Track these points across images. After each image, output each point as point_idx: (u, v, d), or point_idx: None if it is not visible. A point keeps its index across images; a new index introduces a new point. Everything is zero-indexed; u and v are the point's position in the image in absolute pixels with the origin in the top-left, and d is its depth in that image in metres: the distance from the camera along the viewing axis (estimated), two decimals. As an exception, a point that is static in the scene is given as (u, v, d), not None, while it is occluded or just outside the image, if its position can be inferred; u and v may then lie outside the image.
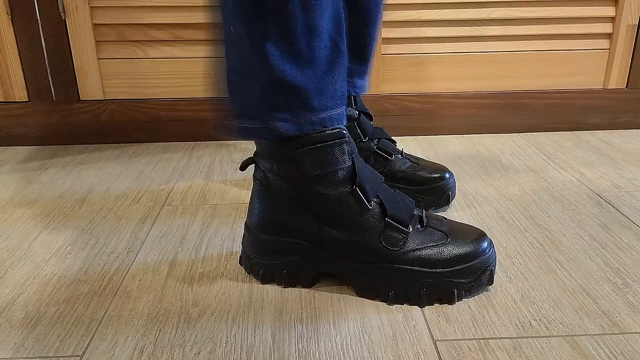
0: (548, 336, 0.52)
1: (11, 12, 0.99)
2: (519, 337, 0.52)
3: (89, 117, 1.07)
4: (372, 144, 0.77)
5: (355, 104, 0.78)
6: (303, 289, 0.59)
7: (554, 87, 1.12)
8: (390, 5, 1.04)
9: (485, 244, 0.57)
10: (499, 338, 0.52)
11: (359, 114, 0.78)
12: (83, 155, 1.03)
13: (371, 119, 0.80)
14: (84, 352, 0.50)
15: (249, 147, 1.06)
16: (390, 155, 0.76)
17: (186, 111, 1.08)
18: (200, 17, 1.02)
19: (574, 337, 0.52)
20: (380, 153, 0.76)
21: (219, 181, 0.90)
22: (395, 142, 0.80)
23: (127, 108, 1.07)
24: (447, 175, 0.76)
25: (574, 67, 1.11)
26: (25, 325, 0.54)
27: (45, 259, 0.66)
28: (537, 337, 0.52)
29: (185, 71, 1.05)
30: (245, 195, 0.84)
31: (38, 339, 0.52)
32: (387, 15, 1.04)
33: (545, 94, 1.12)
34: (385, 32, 1.06)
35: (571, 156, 0.99)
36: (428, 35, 1.07)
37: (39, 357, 0.50)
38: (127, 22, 1.01)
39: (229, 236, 0.71)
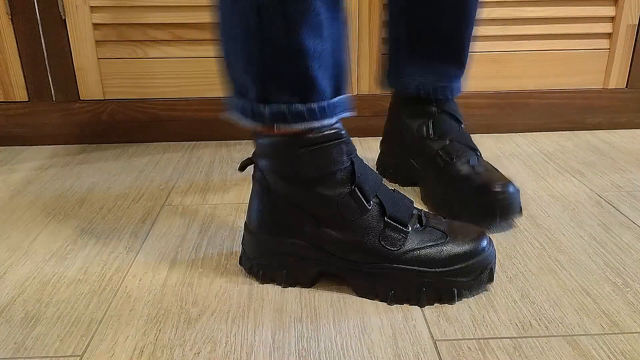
0: (548, 336, 0.52)
1: (11, 11, 0.99)
2: (519, 337, 0.52)
3: (89, 117, 1.07)
4: (440, 144, 0.77)
5: (443, 104, 0.79)
6: (303, 289, 0.59)
7: (554, 87, 1.12)
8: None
9: (484, 242, 0.57)
10: (499, 338, 0.52)
11: (439, 112, 0.78)
12: (83, 155, 1.03)
13: (459, 123, 0.80)
14: (83, 352, 0.50)
15: (249, 148, 1.06)
16: (452, 158, 0.75)
17: (186, 111, 1.08)
18: (200, 17, 1.02)
19: (574, 337, 0.52)
20: (441, 155, 0.76)
21: (219, 181, 0.90)
22: (477, 150, 0.78)
23: (127, 108, 1.07)
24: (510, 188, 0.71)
25: (574, 67, 1.11)
26: (25, 325, 0.54)
27: (45, 258, 0.66)
28: (537, 337, 0.52)
29: (185, 71, 1.05)
30: (246, 195, 0.84)
31: (38, 339, 0.52)
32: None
33: (545, 94, 1.12)
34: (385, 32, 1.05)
35: (571, 156, 1.00)
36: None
37: (39, 357, 0.50)
38: (127, 22, 1.01)
39: (229, 236, 0.71)
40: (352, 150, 0.56)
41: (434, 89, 0.79)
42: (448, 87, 0.79)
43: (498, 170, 0.75)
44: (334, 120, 0.55)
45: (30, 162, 0.99)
